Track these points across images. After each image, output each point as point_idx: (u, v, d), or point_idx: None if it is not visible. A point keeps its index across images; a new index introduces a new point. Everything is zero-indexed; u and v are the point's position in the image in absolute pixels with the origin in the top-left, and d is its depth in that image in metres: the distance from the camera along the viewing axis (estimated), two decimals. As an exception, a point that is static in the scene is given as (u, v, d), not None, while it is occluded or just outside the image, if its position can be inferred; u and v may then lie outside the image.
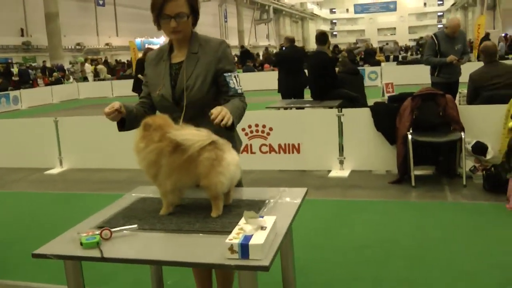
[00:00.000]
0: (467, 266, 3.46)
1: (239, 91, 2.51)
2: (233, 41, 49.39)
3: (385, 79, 16.19)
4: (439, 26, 65.94)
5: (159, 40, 36.73)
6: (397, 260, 3.63)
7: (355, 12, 68.30)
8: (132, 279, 3.51)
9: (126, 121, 2.44)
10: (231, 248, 1.68)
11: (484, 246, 3.79)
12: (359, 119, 6.09)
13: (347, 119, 6.11)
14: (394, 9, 64.28)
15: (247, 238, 1.70)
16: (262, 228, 1.79)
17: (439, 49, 6.72)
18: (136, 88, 11.49)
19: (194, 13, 2.44)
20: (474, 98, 5.94)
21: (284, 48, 10.38)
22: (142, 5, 37.11)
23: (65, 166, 7.13)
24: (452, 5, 61.12)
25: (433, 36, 6.89)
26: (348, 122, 6.11)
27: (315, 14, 72.84)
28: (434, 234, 4.07)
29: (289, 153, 6.30)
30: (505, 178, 4.83)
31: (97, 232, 1.94)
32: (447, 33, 6.72)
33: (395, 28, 71.57)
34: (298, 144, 6.26)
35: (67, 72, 23.17)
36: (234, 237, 1.71)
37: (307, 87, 8.51)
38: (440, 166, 5.75)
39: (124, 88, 19.99)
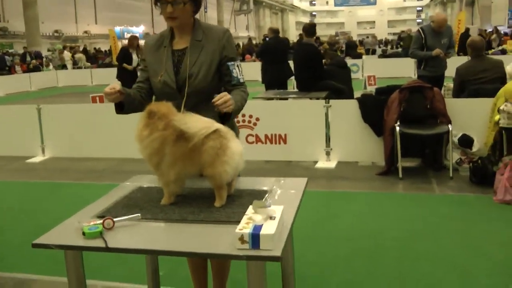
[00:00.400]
0: (457, 258, 3.49)
1: (241, 80, 2.48)
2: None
3: (366, 72, 16.28)
4: (418, 20, 66.67)
5: (138, 29, 36.33)
6: (388, 251, 3.65)
7: (335, 5, 68.39)
8: (126, 270, 3.45)
9: (124, 104, 2.38)
10: (241, 238, 1.64)
11: (473, 238, 3.83)
12: (346, 111, 6.09)
13: (334, 111, 6.11)
14: (374, 3, 64.59)
15: (257, 228, 1.67)
16: (271, 217, 1.76)
17: (426, 43, 6.76)
18: (120, 76, 11.31)
19: (195, 0, 2.38)
20: (460, 91, 5.99)
21: (267, 38, 10.35)
22: (122, -7, 36.71)
23: (47, 154, 6.98)
24: (431, 0, 61.68)
25: (420, 30, 6.92)
26: (335, 114, 6.12)
27: (295, 6, 72.77)
28: (423, 226, 4.10)
29: (275, 143, 6.28)
30: (491, 170, 4.90)
31: (99, 221, 1.89)
32: (433, 28, 6.76)
33: (374, 22, 72.02)
34: (285, 135, 6.24)
35: (45, 59, 22.69)
36: (244, 227, 1.68)
37: (291, 78, 8.54)
38: (426, 158, 5.80)
39: (103, 76, 19.70)
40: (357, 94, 8.70)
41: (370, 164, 6.16)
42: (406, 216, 4.35)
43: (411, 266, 3.39)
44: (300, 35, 25.88)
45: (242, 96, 2.39)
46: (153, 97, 2.60)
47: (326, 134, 6.20)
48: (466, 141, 5.47)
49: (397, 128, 5.38)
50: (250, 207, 1.88)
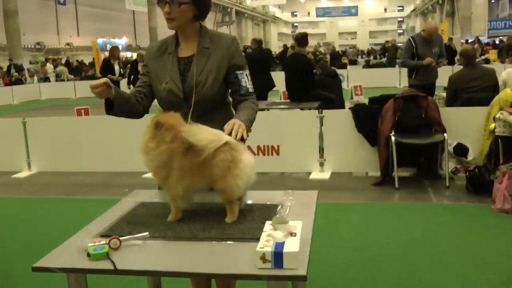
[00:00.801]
0: (459, 268, 3.44)
1: (250, 90, 2.39)
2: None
3: (352, 82, 16.35)
4: (399, 31, 67.50)
5: (121, 41, 36.11)
6: (389, 262, 3.57)
7: (317, 16, 68.87)
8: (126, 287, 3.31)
9: (114, 103, 2.23)
10: (263, 257, 1.53)
11: (473, 247, 3.78)
12: (339, 121, 6.03)
13: (327, 121, 6.04)
14: (356, 14, 65.18)
15: (279, 245, 1.57)
16: (292, 234, 1.66)
17: (417, 52, 6.76)
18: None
19: (197, 4, 2.28)
20: (453, 100, 5.98)
21: (247, 50, 10.35)
22: (104, 5, 36.48)
23: (33, 169, 6.78)
24: (412, 11, 62.53)
25: (410, 39, 6.92)
26: (328, 124, 6.05)
27: (277, 17, 73.09)
28: (423, 236, 4.04)
29: (268, 155, 6.18)
30: (488, 179, 4.86)
31: (104, 241, 1.76)
32: (424, 36, 6.77)
33: (355, 33, 72.70)
34: (278, 146, 6.15)
35: (27, 72, 22.35)
36: (265, 245, 1.57)
37: (272, 89, 8.52)
38: (421, 168, 5.76)
39: (87, 89, 19.28)
40: (346, 104, 8.70)
41: (364, 175, 6.10)
42: (405, 226, 4.29)
43: (413, 276, 3.33)
44: (284, 45, 26.03)
45: (252, 110, 2.29)
46: (152, 104, 2.49)
47: (320, 145, 6.13)
48: (461, 150, 5.44)
49: (393, 138, 5.34)
50: (267, 223, 1.78)
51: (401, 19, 70.50)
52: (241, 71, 2.37)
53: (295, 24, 76.78)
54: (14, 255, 4.04)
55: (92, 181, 6.42)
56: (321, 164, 6.11)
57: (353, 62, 25.78)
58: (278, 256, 1.53)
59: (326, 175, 6.02)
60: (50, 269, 1.69)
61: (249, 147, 6.17)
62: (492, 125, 5.14)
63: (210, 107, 2.34)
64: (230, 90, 2.42)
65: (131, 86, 11.69)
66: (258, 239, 1.74)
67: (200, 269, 1.57)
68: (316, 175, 6.04)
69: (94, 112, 10.41)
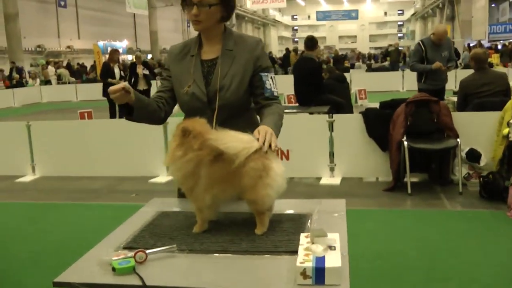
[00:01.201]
0: (482, 276, 3.34)
1: (275, 93, 2.29)
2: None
3: (355, 86, 16.26)
4: (399, 35, 67.47)
5: (122, 44, 36.04)
6: (411, 272, 3.47)
7: (317, 19, 68.80)
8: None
9: (134, 108, 2.13)
10: (303, 273, 1.44)
11: (494, 256, 3.68)
12: (349, 125, 5.94)
13: (338, 125, 5.95)
14: (356, 17, 65.14)
15: (320, 260, 1.47)
16: (331, 247, 1.56)
17: (426, 56, 6.68)
18: (106, 92, 11.05)
19: (225, 5, 2.19)
20: (464, 105, 5.89)
21: None
22: (105, 8, 36.43)
23: (38, 173, 6.67)
24: (412, 15, 62.53)
25: (420, 42, 6.84)
26: (338, 128, 5.96)
27: (277, 21, 73.05)
28: (441, 245, 3.94)
29: (277, 160, 6.08)
30: (503, 185, 4.77)
31: (130, 254, 1.66)
32: (433, 40, 6.68)
33: (355, 36, 72.67)
34: (287, 151, 6.05)
35: (28, 75, 22.25)
36: (305, 260, 1.47)
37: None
38: (432, 173, 5.66)
39: (88, 92, 19.38)
40: (365, 108, 8.57)
41: (374, 180, 6.01)
42: (423, 234, 4.18)
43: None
44: (286, 49, 25.99)
45: (279, 116, 2.18)
46: (172, 108, 2.39)
47: (330, 150, 6.04)
48: (473, 156, 5.34)
49: (405, 143, 5.24)
50: (302, 235, 1.68)
51: (401, 23, 70.49)
52: (266, 73, 2.28)
53: (295, 28, 76.81)
54: (24, 263, 3.93)
55: (97, 186, 6.32)
56: (331, 169, 6.02)
57: (352, 66, 25.72)
58: (319, 271, 1.44)
59: (336, 180, 5.92)
60: (72, 285, 1.58)
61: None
62: (506, 130, 5.05)
63: (233, 112, 2.24)
64: (253, 94, 2.31)
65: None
66: (292, 252, 1.67)
67: (237, 286, 1.47)
68: (326, 180, 5.95)
69: (97, 115, 10.35)
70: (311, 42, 7.05)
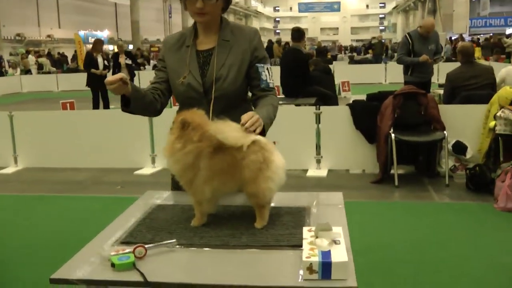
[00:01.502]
0: (472, 269, 3.36)
1: (271, 85, 2.26)
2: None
3: (338, 78, 16.28)
4: (381, 28, 67.76)
5: (103, 33, 35.55)
6: (401, 264, 3.48)
7: (299, 11, 68.74)
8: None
9: (131, 100, 2.08)
10: (309, 268, 1.41)
11: (485, 249, 3.70)
12: (336, 118, 5.93)
13: (325, 117, 5.94)
14: (338, 9, 65.26)
15: (326, 255, 1.44)
16: (335, 242, 1.54)
17: (413, 49, 6.69)
18: (89, 82, 10.89)
19: None
20: (451, 98, 5.92)
21: None
22: (86, -3, 35.85)
23: (20, 165, 6.54)
24: (394, 8, 62.83)
25: (407, 35, 6.85)
26: (325, 120, 5.95)
27: (259, 12, 72.80)
28: (430, 237, 3.96)
29: (264, 151, 6.05)
30: (490, 178, 4.81)
31: (129, 249, 1.62)
32: (420, 33, 6.70)
33: (337, 28, 72.74)
34: (274, 142, 5.97)
35: (7, 64, 21.80)
36: (311, 254, 1.44)
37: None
38: (419, 165, 5.69)
39: (70, 82, 19.07)
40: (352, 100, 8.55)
41: (360, 172, 6.02)
42: (412, 227, 4.20)
43: (430, 281, 3.22)
44: (269, 40, 25.86)
45: (272, 107, 2.16)
46: (168, 99, 2.33)
47: (316, 142, 6.02)
48: (460, 148, 5.38)
49: (393, 135, 5.25)
50: (305, 229, 1.66)
51: (383, 15, 70.76)
52: (262, 65, 2.25)
53: (277, 19, 76.62)
54: (15, 256, 3.83)
55: (82, 177, 6.22)
56: (318, 161, 6.01)
57: (334, 58, 25.75)
58: (326, 266, 1.41)
59: (323, 172, 5.92)
60: (70, 281, 1.53)
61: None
62: (492, 123, 5.09)
63: (230, 103, 2.21)
64: (249, 85, 2.28)
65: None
66: (294, 247, 1.65)
67: (241, 281, 1.44)
68: (313, 172, 5.94)
69: (79, 106, 10.16)
70: (297, 34, 7.00)
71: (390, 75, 17.95)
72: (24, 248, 4.00)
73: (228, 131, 1.76)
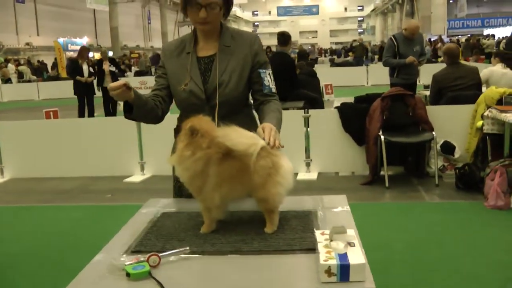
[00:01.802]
0: (467, 267, 3.42)
1: (273, 90, 2.29)
2: (156, 43, 48.43)
3: (320, 81, 16.38)
4: (359, 30, 68.39)
5: (82, 40, 35.21)
6: (397, 264, 3.52)
7: (278, 15, 69.09)
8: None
9: (134, 106, 2.07)
10: (328, 271, 1.42)
11: (478, 246, 3.76)
12: (325, 121, 5.98)
13: (313, 120, 5.98)
14: (317, 13, 65.73)
15: (343, 257, 1.45)
16: (350, 244, 1.55)
17: (398, 51, 6.77)
18: (75, 90, 10.79)
19: (227, 4, 2.17)
20: (438, 98, 6.00)
21: None
22: (64, 4, 35.49)
23: (6, 175, 6.44)
24: (372, 10, 63.50)
25: (392, 37, 6.93)
26: (314, 124, 5.99)
27: (238, 16, 72.87)
28: (423, 236, 4.01)
29: (253, 156, 6.06)
30: (479, 176, 4.89)
31: (143, 258, 1.61)
32: (405, 35, 6.78)
33: (316, 31, 73.21)
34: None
35: (-15, 73, 21.45)
36: (328, 257, 1.45)
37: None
38: (409, 166, 5.75)
39: (51, 90, 18.87)
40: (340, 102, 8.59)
41: (350, 174, 6.06)
42: (405, 227, 4.25)
43: (426, 280, 3.27)
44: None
45: (279, 113, 2.20)
46: (169, 106, 2.32)
47: (306, 145, 6.06)
48: (448, 148, 5.47)
49: (382, 137, 5.30)
50: (317, 232, 1.66)
51: (361, 18, 71.47)
52: (264, 70, 2.27)
53: (256, 23, 76.80)
54: (3, 268, 3.78)
55: (70, 186, 6.14)
56: (308, 165, 6.04)
57: (314, 61, 25.94)
58: (344, 269, 1.42)
59: (313, 175, 5.95)
60: (86, 292, 1.52)
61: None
62: (480, 123, 5.18)
63: (232, 109, 2.22)
64: (251, 90, 2.30)
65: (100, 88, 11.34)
66: (307, 250, 1.66)
67: (262, 286, 1.44)
68: (303, 175, 5.96)
69: (63, 114, 10.05)
70: (283, 38, 7.04)
71: (372, 77, 18.16)
72: (13, 259, 3.94)
73: (236, 137, 1.76)
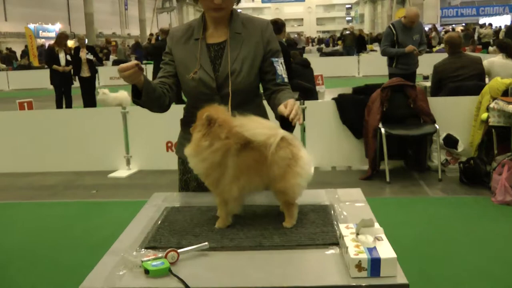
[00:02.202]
0: (476, 263, 3.49)
1: (286, 79, 2.31)
2: (134, 30, 47.97)
3: (311, 71, 16.42)
4: (347, 18, 68.66)
5: (55, 27, 34.77)
6: (403, 260, 3.53)
7: (262, 2, 68.86)
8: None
9: (143, 91, 2.06)
10: (358, 265, 1.45)
11: (484, 241, 3.85)
12: (321, 112, 6.01)
13: (309, 112, 6.00)
14: (302, 0, 65.76)
15: (374, 251, 1.49)
16: (378, 238, 1.58)
17: (397, 40, 6.83)
18: (52, 79, 10.68)
19: None
20: (438, 89, 6.07)
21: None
22: (34, -12, 34.90)
23: (-17, 171, 6.36)
24: (361, -3, 63.77)
25: (390, 26, 6.98)
26: (310, 116, 6.01)
27: (220, 3, 72.65)
28: (428, 232, 4.08)
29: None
30: (485, 171, 4.97)
31: (161, 254, 1.62)
32: (404, 23, 6.83)
33: (302, 19, 73.25)
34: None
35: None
36: (358, 251, 1.48)
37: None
38: (409, 160, 5.82)
39: (22, 79, 18.64)
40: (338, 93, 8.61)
41: (346, 169, 6.13)
42: (409, 222, 4.31)
43: (436, 274, 3.34)
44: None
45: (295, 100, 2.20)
46: (175, 95, 2.31)
47: (301, 138, 6.08)
48: (451, 141, 5.54)
49: (382, 130, 5.36)
50: (341, 226, 1.69)
51: (349, 5, 71.62)
52: (276, 58, 2.29)
53: (239, 10, 76.28)
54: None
55: (52, 182, 6.10)
56: (304, 158, 6.06)
57: (301, 50, 25.99)
58: (375, 263, 1.45)
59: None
60: (103, 291, 1.52)
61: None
62: (485, 115, 5.26)
63: (244, 98, 2.23)
64: (262, 80, 2.31)
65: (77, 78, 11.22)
66: (330, 245, 1.69)
67: (290, 282, 1.46)
68: (299, 170, 5.98)
69: (38, 106, 9.95)
70: (276, 26, 6.98)
71: (363, 68, 18.27)
72: (2, 257, 3.91)
73: (255, 127, 1.78)
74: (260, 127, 1.79)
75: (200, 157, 1.79)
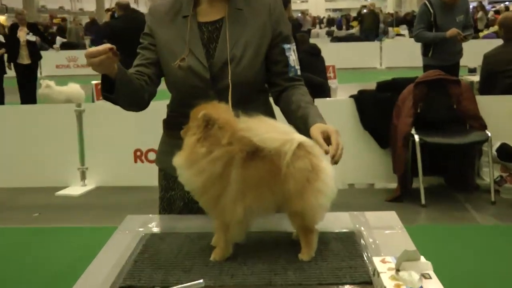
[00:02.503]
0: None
1: (299, 72, 2.35)
2: (87, 5, 48.04)
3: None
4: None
5: None
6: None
7: (261, -24, 69.11)
8: None
9: (116, 82, 2.04)
10: (401, 311, 1.48)
11: None
12: (336, 114, 6.02)
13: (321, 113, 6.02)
14: (308, -28, 66.13)
15: (420, 293, 1.52)
16: (425, 276, 1.61)
17: (435, 21, 6.85)
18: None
19: None
20: (490, 86, 6.11)
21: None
22: None
23: None
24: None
25: (426, 3, 6.98)
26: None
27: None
28: (476, 268, 4.14)
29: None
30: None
31: (142, 294, 1.64)
32: (445, 0, 6.85)
33: (308, -4, 73.53)
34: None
35: None
36: (399, 293, 1.51)
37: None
38: (451, 177, 5.86)
39: None
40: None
41: (368, 186, 6.18)
42: (452, 256, 4.35)
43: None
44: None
45: (316, 108, 2.24)
46: (156, 88, 2.34)
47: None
48: (506, 153, 5.57)
49: (416, 137, 5.40)
50: (376, 259, 1.72)
51: (369, -24, 72.03)
52: (288, 45, 2.32)
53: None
54: None
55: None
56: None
57: (307, 34, 26.13)
58: (423, 308, 1.48)
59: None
60: None
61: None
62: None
63: (246, 94, 2.25)
64: (271, 72, 2.33)
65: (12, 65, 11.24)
66: (361, 284, 1.72)
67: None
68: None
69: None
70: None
71: (387, 58, 18.34)
72: None
73: (266, 131, 1.80)
74: (272, 131, 1.82)
75: (195, 168, 1.81)
